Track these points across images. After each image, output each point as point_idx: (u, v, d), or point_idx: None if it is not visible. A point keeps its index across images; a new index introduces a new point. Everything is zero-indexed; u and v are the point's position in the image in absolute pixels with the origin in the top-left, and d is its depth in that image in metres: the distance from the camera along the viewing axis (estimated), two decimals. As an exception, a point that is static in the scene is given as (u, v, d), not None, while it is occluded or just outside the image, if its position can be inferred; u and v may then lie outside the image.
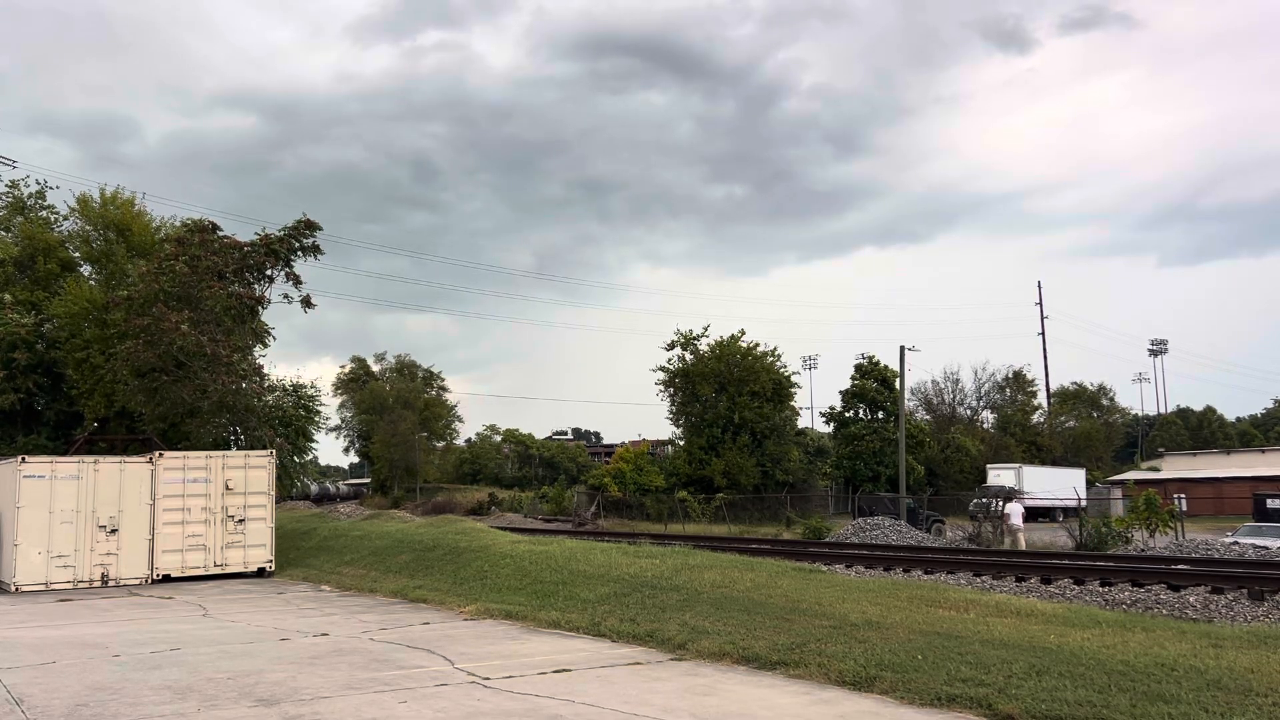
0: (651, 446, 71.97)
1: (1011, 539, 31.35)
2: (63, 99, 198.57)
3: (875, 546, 29.53)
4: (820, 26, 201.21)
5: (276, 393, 30.90)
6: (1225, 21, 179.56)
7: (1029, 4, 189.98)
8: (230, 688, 8.77)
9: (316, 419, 34.20)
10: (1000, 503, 33.36)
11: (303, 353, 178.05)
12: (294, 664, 10.04)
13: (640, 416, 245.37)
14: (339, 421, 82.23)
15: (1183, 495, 61.30)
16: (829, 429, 74.03)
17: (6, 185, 35.22)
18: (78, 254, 32.31)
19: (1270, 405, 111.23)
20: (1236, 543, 28.98)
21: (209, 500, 20.98)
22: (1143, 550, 27.86)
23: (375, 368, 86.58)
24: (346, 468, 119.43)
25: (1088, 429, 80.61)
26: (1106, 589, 18.03)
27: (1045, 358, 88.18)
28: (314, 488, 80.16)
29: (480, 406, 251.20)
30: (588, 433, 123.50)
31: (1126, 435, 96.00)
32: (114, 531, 20.00)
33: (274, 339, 29.10)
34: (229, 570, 20.98)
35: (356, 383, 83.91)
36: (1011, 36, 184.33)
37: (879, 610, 11.45)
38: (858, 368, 68.56)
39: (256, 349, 28.45)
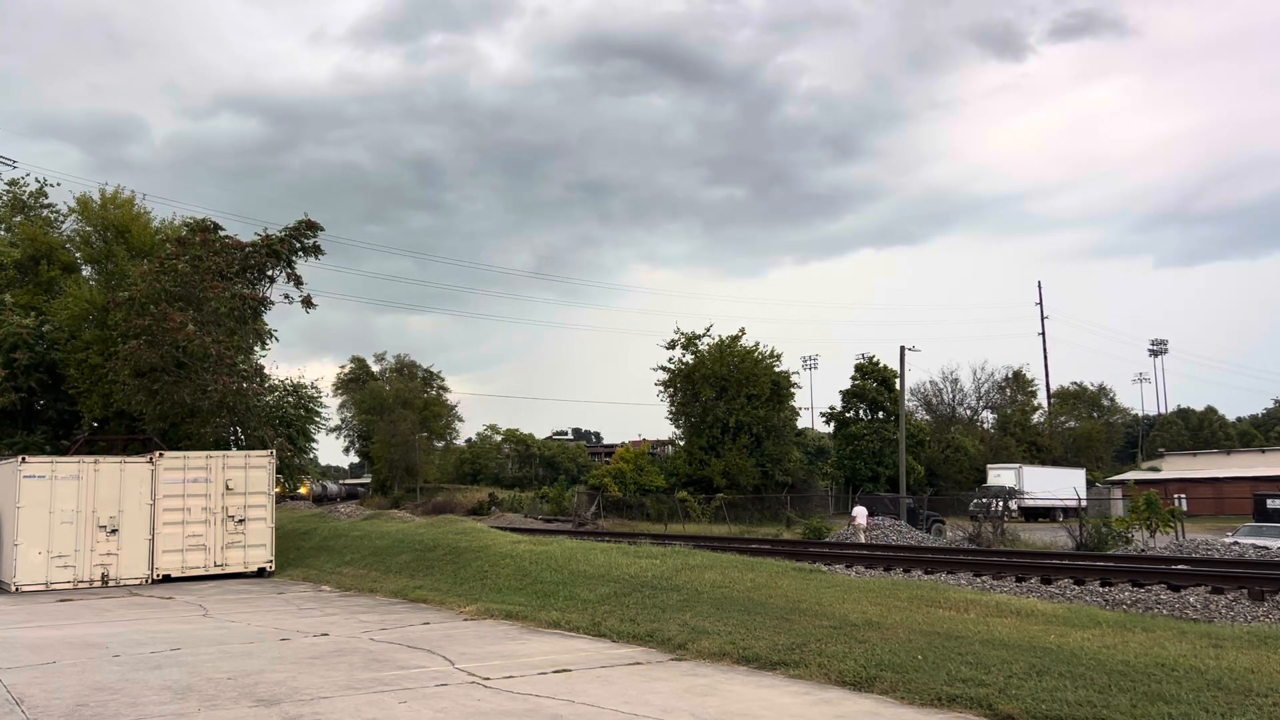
0: (651, 446, 71.94)
1: (858, 536, 35.17)
2: (69, 102, 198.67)
3: (875, 546, 29.53)
4: (819, 32, 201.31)
5: (277, 393, 30.91)
6: (1217, 29, 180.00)
7: (1021, 11, 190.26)
8: (230, 688, 8.77)
9: (317, 419, 34.21)
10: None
11: (303, 353, 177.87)
12: (294, 664, 10.03)
13: (640, 416, 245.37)
14: (339, 422, 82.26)
15: (1183, 495, 61.43)
16: (829, 429, 74.10)
17: (6, 185, 35.28)
18: (78, 255, 32.33)
19: (1270, 405, 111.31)
20: (1237, 543, 28.98)
21: (209, 500, 20.97)
22: (1143, 550, 27.86)
23: (375, 368, 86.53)
24: (346, 468, 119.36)
25: (1088, 429, 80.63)
26: (1107, 589, 18.02)
27: (1045, 358, 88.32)
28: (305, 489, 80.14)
29: (481, 406, 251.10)
30: (588, 433, 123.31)
31: (1127, 435, 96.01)
32: (114, 531, 19.99)
33: (276, 340, 29.13)
34: (229, 570, 20.97)
35: (356, 383, 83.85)
36: (1005, 44, 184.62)
37: (879, 610, 11.44)
38: (858, 368, 68.57)
39: (257, 349, 28.48)
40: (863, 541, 33.70)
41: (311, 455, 38.86)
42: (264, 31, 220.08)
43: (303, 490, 62.28)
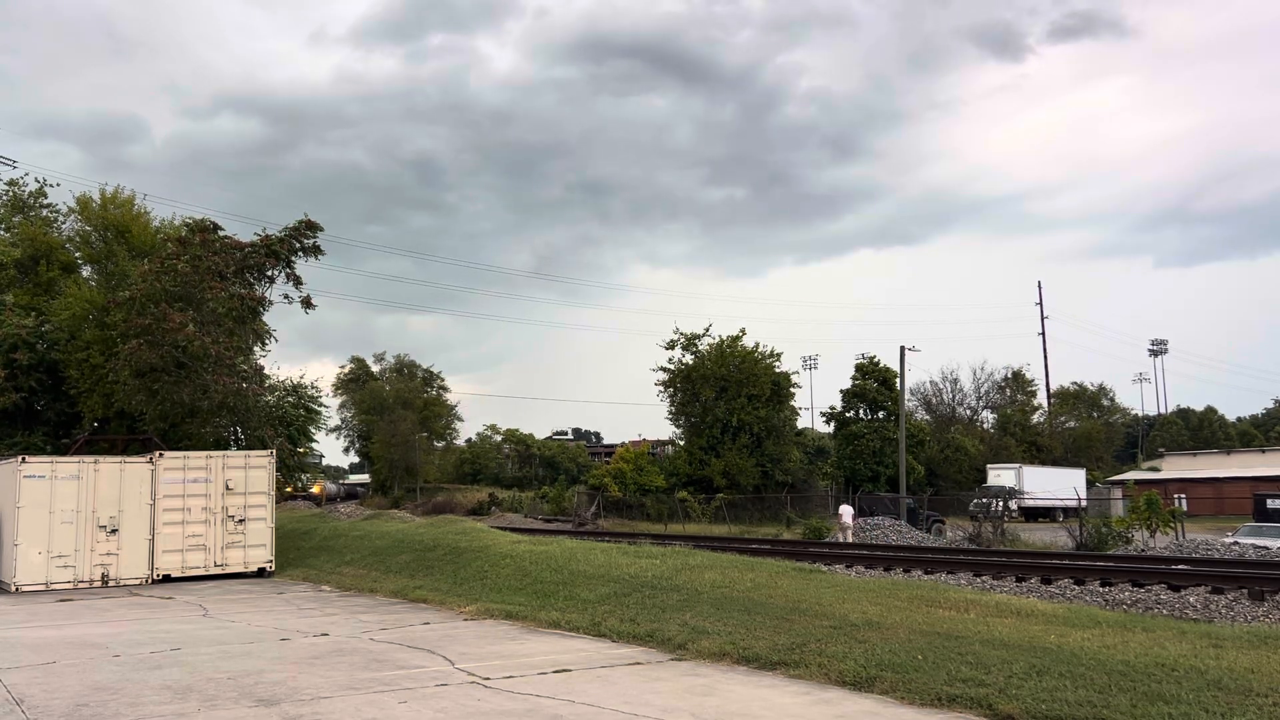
0: (651, 446, 71.93)
1: (843, 535, 35.89)
2: (69, 102, 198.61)
3: (875, 546, 29.53)
4: (819, 32, 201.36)
5: (277, 393, 30.89)
6: (1217, 29, 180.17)
7: (1020, 12, 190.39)
8: (230, 688, 8.77)
9: (317, 419, 34.20)
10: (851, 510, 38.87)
11: (303, 353, 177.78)
12: (294, 664, 10.03)
13: (640, 416, 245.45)
14: (339, 421, 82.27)
15: (1183, 495, 61.43)
16: (829, 429, 74.08)
17: (5, 185, 35.31)
18: (78, 255, 32.32)
19: (1270, 405, 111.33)
20: (1237, 543, 28.99)
21: (209, 500, 20.97)
22: (1143, 550, 27.87)
23: (375, 368, 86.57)
24: (346, 468, 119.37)
25: (1088, 429, 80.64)
26: (1107, 589, 18.02)
27: (1045, 358, 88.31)
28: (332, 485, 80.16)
29: (481, 406, 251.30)
30: (588, 433, 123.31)
31: (1127, 435, 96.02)
32: (114, 531, 19.99)
33: (275, 340, 29.07)
34: (229, 570, 20.97)
35: (356, 383, 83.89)
36: (1005, 44, 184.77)
37: (879, 610, 11.44)
38: (858, 367, 68.54)
39: (257, 349, 28.47)
40: (850, 540, 34.01)
41: (319, 457, 38.91)
42: (264, 32, 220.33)
43: (315, 489, 62.28)
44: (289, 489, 49.25)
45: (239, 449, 25.32)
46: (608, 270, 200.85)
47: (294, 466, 32.61)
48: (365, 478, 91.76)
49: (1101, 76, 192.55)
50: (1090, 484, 63.73)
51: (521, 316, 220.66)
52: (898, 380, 57.17)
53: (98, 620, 14.44)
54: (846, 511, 37.19)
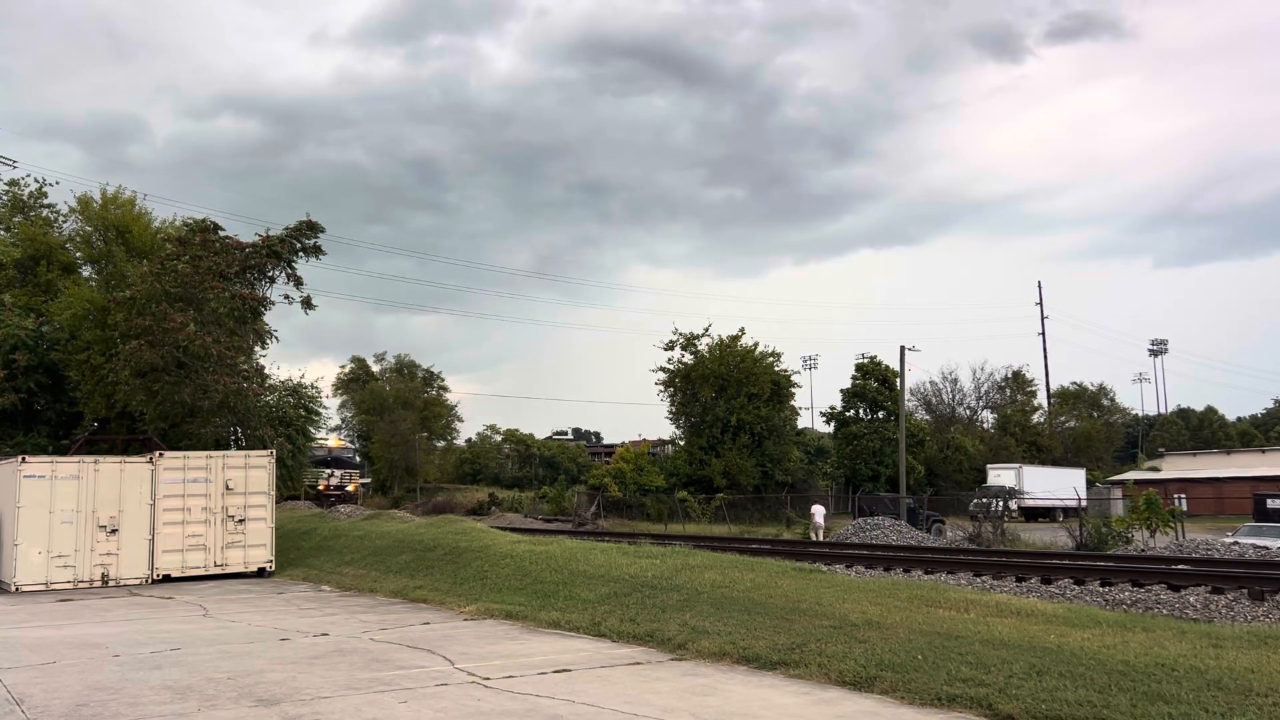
0: (651, 446, 71.92)
1: (815, 534, 37.34)
2: (70, 103, 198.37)
3: (875, 546, 29.52)
4: (819, 33, 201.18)
5: (277, 393, 30.90)
6: (1216, 29, 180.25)
7: (1019, 13, 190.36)
8: (230, 688, 8.77)
9: (317, 419, 34.22)
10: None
11: (303, 353, 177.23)
12: (294, 664, 10.04)
13: (640, 416, 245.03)
14: (339, 421, 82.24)
15: (1183, 495, 61.48)
16: (829, 429, 74.12)
17: (6, 185, 35.33)
18: (78, 255, 32.34)
19: (1270, 405, 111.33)
20: (1237, 543, 29.00)
21: (209, 500, 20.97)
22: (1143, 550, 27.86)
23: (375, 368, 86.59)
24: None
25: (1088, 429, 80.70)
26: (1107, 589, 18.02)
27: (1045, 358, 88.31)
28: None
29: (481, 406, 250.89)
30: (588, 433, 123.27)
31: (1127, 435, 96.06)
32: (114, 531, 19.98)
33: (276, 340, 29.08)
34: (229, 570, 20.97)
35: (356, 383, 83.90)
36: (1004, 46, 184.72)
37: (879, 610, 11.45)
38: (859, 367, 68.59)
39: (258, 349, 28.48)
40: (821, 539, 34.86)
41: (353, 451, 38.79)
42: (265, 32, 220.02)
43: (351, 487, 61.96)
44: (321, 486, 49.27)
45: (239, 449, 25.33)
46: (608, 270, 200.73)
47: (293, 467, 32.62)
48: (366, 480, 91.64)
49: (1100, 77, 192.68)
50: (1090, 484, 63.77)
51: (522, 316, 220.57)
52: (898, 380, 57.20)
53: (98, 620, 14.44)
54: (818, 511, 39.03)
